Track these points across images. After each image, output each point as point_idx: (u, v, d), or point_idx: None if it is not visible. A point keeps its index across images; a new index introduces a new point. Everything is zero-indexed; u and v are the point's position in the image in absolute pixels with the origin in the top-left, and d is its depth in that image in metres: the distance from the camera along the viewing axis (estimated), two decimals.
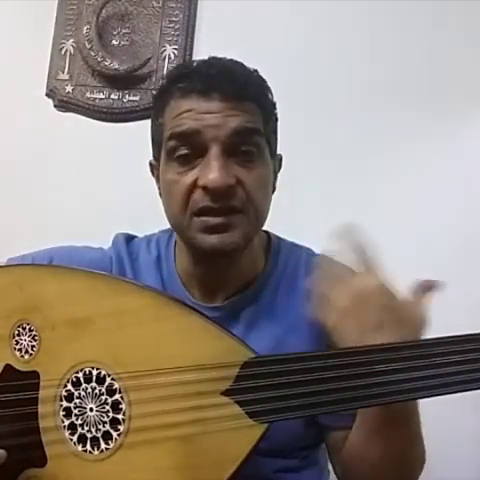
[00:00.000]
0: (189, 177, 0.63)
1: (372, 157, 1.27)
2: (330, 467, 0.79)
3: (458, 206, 1.24)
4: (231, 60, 0.68)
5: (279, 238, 0.79)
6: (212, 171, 0.60)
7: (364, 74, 1.30)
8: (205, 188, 0.61)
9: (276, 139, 0.72)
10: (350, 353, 0.45)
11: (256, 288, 0.72)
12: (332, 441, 0.72)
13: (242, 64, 0.68)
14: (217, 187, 0.60)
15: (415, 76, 1.29)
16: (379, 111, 1.28)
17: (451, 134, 1.27)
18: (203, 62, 0.67)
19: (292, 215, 1.11)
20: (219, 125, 0.62)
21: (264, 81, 0.69)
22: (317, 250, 0.80)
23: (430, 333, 0.50)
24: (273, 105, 0.71)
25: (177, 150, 0.64)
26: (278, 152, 0.74)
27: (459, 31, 1.28)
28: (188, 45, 1.34)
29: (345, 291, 0.54)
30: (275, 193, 0.73)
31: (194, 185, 0.63)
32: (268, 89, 0.70)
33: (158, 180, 0.71)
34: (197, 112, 0.62)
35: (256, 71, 0.69)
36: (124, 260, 0.76)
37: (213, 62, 0.67)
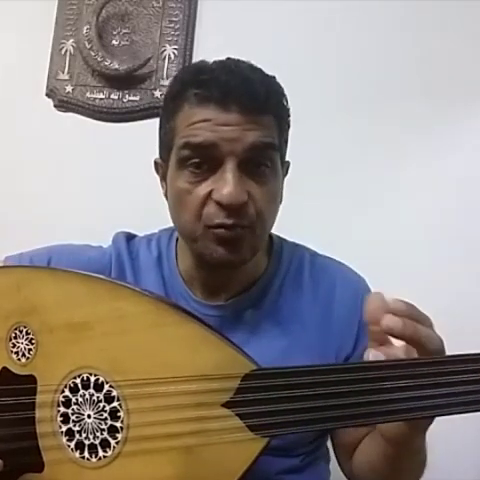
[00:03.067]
0: (202, 189, 0.62)
1: (372, 157, 1.27)
2: (331, 466, 0.79)
3: (460, 205, 1.24)
4: (250, 66, 0.66)
5: (281, 239, 0.79)
6: (227, 186, 0.59)
7: (364, 73, 1.29)
8: (219, 203, 0.60)
9: (286, 147, 0.71)
10: (356, 368, 0.44)
11: (259, 288, 0.72)
12: (340, 440, 0.72)
13: (261, 71, 0.66)
14: (232, 203, 0.59)
15: (415, 75, 1.28)
16: (379, 111, 1.27)
17: (452, 132, 1.26)
18: (221, 68, 0.64)
19: (292, 215, 1.10)
20: (236, 139, 0.60)
21: (282, 89, 0.68)
22: (319, 251, 0.80)
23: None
24: (288, 113, 0.69)
25: (190, 160, 0.62)
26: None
27: (458, 28, 1.27)
28: (188, 45, 1.34)
29: None
30: None
31: (207, 197, 0.62)
32: (285, 97, 0.68)
33: (163, 179, 0.71)
34: (214, 123, 0.61)
35: (274, 78, 0.67)
36: (124, 259, 0.75)
37: (233, 69, 0.63)
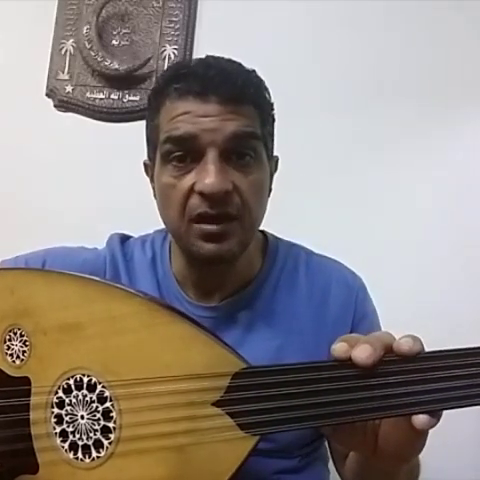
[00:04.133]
0: (186, 182, 0.62)
1: (371, 157, 1.27)
2: (330, 466, 0.79)
3: (457, 203, 1.24)
4: (229, 60, 0.67)
5: (276, 237, 0.78)
6: (209, 176, 0.59)
7: (363, 74, 1.30)
8: (202, 193, 0.60)
9: (273, 141, 0.71)
10: (347, 365, 0.43)
11: (254, 288, 0.71)
12: (334, 445, 0.72)
13: (240, 64, 0.66)
14: (214, 192, 0.59)
15: (414, 75, 1.28)
16: (378, 111, 1.28)
17: (450, 132, 1.27)
18: (200, 62, 0.65)
19: (289, 215, 1.10)
20: (216, 129, 0.60)
21: (262, 81, 0.68)
22: (315, 249, 0.80)
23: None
24: (271, 106, 0.69)
25: (173, 153, 0.63)
26: (275, 153, 0.73)
27: (456, 30, 1.28)
28: (188, 45, 1.34)
29: None
30: (272, 193, 0.72)
31: (191, 190, 0.61)
32: (266, 90, 0.68)
33: (152, 180, 0.70)
34: (194, 115, 0.61)
35: (254, 71, 0.67)
36: (118, 261, 0.75)
37: (210, 62, 0.65)
